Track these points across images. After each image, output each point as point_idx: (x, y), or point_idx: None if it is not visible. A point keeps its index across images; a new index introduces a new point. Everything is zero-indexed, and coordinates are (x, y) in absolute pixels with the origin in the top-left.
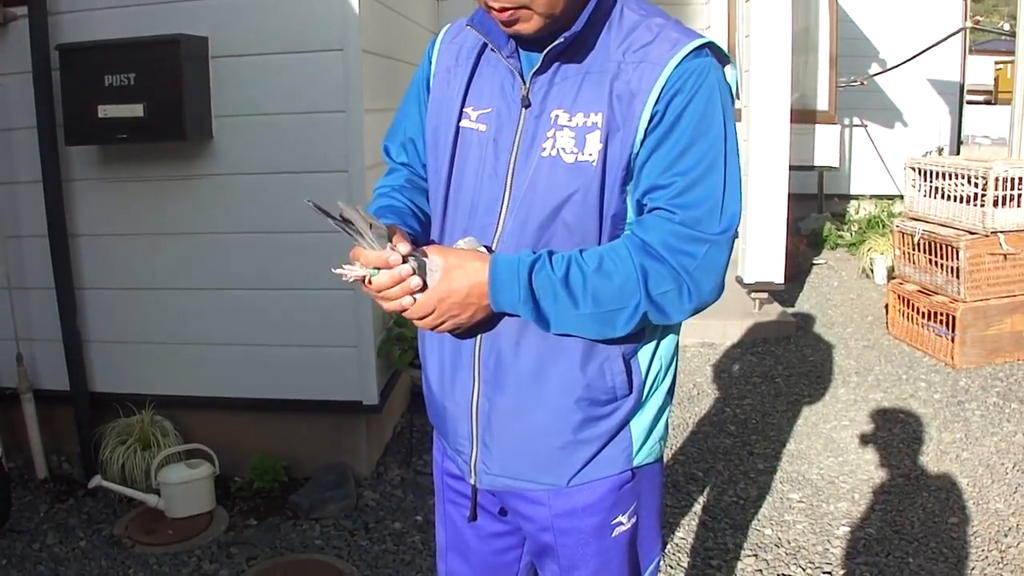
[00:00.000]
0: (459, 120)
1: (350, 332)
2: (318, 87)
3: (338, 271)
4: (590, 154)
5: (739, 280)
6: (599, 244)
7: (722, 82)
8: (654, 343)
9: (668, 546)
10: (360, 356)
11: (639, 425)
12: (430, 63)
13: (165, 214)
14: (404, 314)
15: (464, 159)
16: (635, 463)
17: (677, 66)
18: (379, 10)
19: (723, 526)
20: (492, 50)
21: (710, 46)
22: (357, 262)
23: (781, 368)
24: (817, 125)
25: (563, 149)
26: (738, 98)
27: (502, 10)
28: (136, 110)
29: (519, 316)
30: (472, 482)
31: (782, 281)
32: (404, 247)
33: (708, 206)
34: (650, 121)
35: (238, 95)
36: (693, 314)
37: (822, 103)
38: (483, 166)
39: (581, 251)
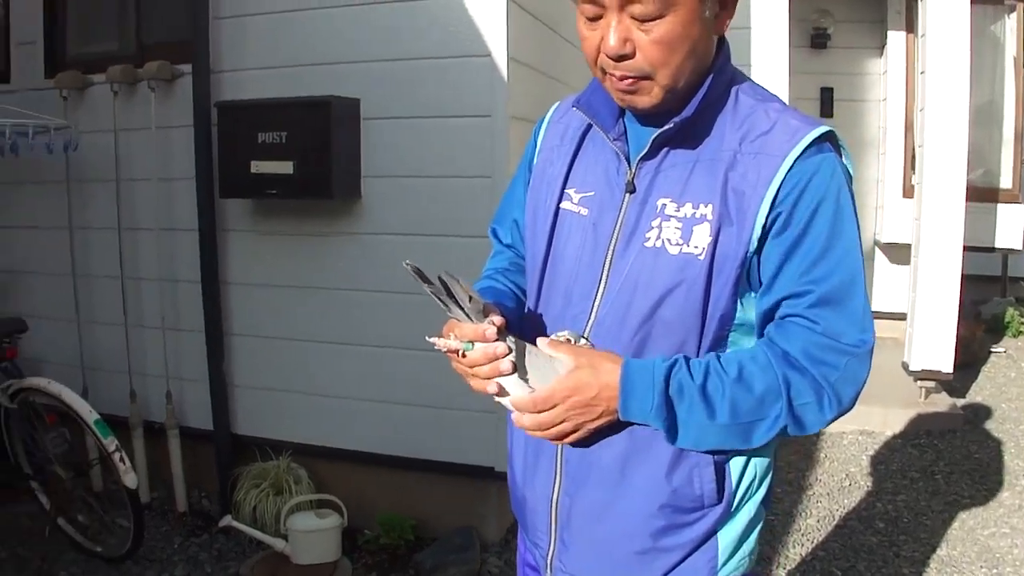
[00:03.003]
0: (559, 202)
1: (487, 397)
2: (465, 152)
3: (432, 339)
4: (696, 247)
5: (904, 367)
6: (700, 344)
7: (845, 179)
8: None
9: None
10: (496, 422)
11: (727, 536)
12: (535, 143)
13: (311, 268)
14: (515, 407)
15: (563, 243)
16: None
17: (797, 159)
18: (528, 76)
19: None
20: (599, 131)
21: (830, 136)
22: (452, 334)
23: (942, 464)
24: (999, 204)
25: (668, 240)
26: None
27: (623, 78)
28: (286, 167)
29: (646, 426)
30: None
31: (951, 370)
32: (499, 319)
33: (850, 317)
34: (769, 218)
35: (387, 157)
36: (828, 425)
37: (1005, 181)
38: (582, 252)
39: (718, 356)
